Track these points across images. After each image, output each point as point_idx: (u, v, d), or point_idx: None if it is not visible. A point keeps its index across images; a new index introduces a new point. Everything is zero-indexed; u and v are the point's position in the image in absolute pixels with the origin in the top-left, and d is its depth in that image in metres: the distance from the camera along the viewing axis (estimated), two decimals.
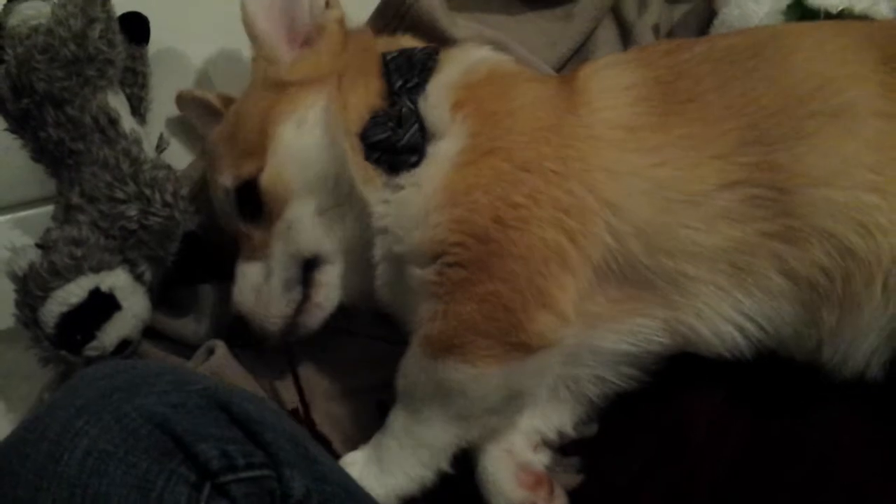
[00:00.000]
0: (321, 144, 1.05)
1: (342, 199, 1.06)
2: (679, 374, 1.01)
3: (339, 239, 1.08)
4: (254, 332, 1.10)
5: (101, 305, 1.10)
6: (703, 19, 1.28)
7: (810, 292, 0.91)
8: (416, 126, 1.02)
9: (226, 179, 1.10)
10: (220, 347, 1.12)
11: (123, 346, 1.14)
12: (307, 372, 1.16)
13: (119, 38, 1.20)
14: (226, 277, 1.15)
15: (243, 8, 1.10)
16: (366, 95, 1.06)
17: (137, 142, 1.17)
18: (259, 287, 1.09)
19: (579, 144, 0.96)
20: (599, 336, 0.98)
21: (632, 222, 0.93)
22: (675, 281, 0.94)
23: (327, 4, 1.11)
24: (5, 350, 1.21)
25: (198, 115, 1.32)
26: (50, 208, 1.22)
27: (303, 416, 1.12)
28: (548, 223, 0.93)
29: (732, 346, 0.95)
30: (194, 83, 1.37)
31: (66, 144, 1.15)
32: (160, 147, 1.30)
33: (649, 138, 0.96)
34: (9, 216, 1.32)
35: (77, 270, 1.09)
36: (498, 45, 1.19)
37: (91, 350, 1.10)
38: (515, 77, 1.08)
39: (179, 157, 1.33)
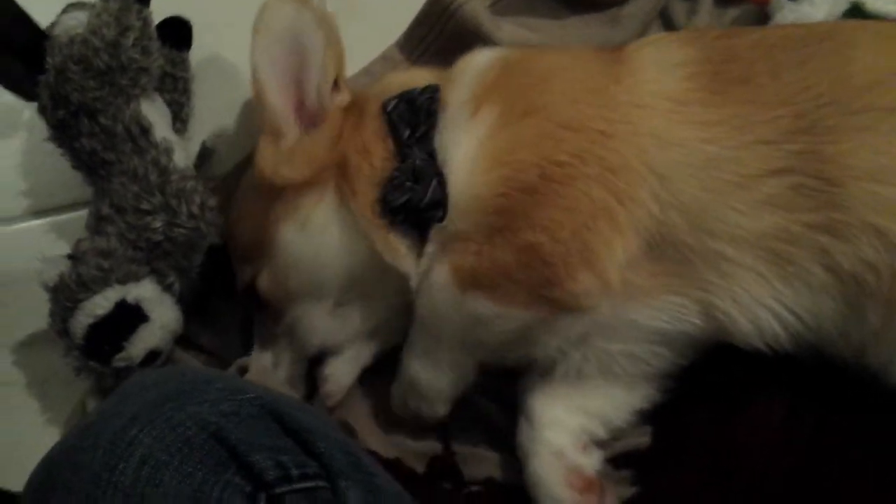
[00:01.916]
0: (334, 243, 1.03)
1: (367, 291, 1.05)
2: (735, 385, 0.99)
3: (356, 329, 1.08)
4: None
5: (128, 317, 1.09)
6: (755, 24, 1.25)
7: (854, 288, 0.89)
8: (434, 180, 0.97)
9: (237, 277, 1.11)
10: (255, 364, 1.11)
11: (152, 357, 1.13)
12: None
13: (155, 45, 1.20)
14: None
15: (255, 75, 1.03)
16: (375, 167, 1.01)
17: (168, 151, 1.15)
18: (269, 371, 1.10)
19: (624, 109, 0.94)
20: (636, 309, 0.95)
21: (676, 195, 0.91)
22: (713, 262, 0.91)
23: (336, 84, 1.04)
24: (43, 354, 1.21)
25: None
26: (84, 212, 1.23)
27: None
28: (595, 181, 0.91)
29: (770, 337, 0.93)
30: (237, 89, 1.35)
31: (99, 154, 1.15)
32: (203, 156, 1.30)
33: (698, 113, 0.93)
34: (48, 219, 1.34)
35: (104, 282, 1.09)
36: None
37: (119, 361, 1.10)
38: (538, 52, 1.05)
39: (224, 163, 1.33)
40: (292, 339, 1.08)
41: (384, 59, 1.32)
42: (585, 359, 1.00)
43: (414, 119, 1.01)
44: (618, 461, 1.04)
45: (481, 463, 1.08)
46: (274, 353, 1.11)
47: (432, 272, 0.97)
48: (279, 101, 1.03)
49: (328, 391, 1.09)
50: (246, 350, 1.17)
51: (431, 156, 0.99)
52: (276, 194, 1.04)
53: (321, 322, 1.07)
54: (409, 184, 0.98)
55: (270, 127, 1.03)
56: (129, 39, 1.14)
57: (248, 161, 1.27)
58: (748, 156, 0.90)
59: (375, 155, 1.01)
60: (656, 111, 0.93)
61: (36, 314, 1.17)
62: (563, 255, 0.90)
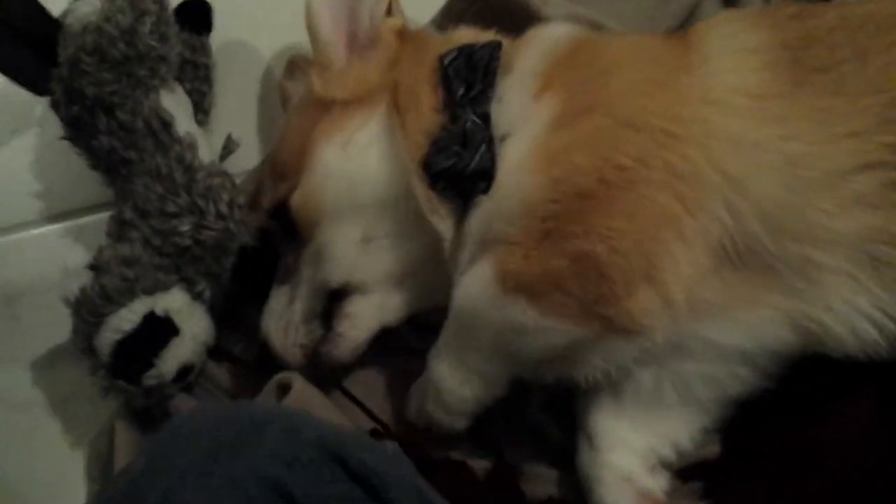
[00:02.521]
0: (373, 167, 0.98)
1: (400, 228, 0.99)
2: (811, 389, 0.92)
3: (380, 269, 1.00)
4: (276, 360, 1.04)
5: (158, 331, 1.03)
6: None
7: None
8: (483, 146, 0.91)
9: (265, 201, 1.04)
10: (297, 381, 1.02)
11: (185, 373, 1.06)
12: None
13: (174, 30, 1.12)
14: None
15: (308, 6, 1.02)
16: (422, 114, 0.96)
17: (192, 146, 1.08)
18: (281, 313, 1.04)
19: (696, 105, 0.86)
20: (710, 327, 0.87)
21: (755, 200, 0.83)
22: (802, 269, 0.84)
23: (389, 11, 1.03)
24: (68, 370, 1.15)
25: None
26: (104, 215, 1.16)
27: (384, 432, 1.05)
28: (660, 187, 0.83)
29: (870, 345, 0.85)
30: (262, 76, 1.30)
31: (119, 153, 1.08)
32: (228, 149, 1.23)
33: (777, 108, 0.85)
34: (64, 224, 1.28)
35: (130, 293, 1.02)
36: (593, 24, 1.09)
37: (150, 379, 1.03)
38: (605, 40, 0.98)
39: (250, 157, 1.26)
40: (315, 270, 1.01)
41: None
42: (658, 381, 0.93)
43: (470, 76, 0.95)
44: (685, 473, 0.98)
45: (538, 480, 1.02)
46: (292, 286, 1.04)
47: (474, 266, 0.90)
48: (331, 34, 1.03)
49: (344, 331, 1.02)
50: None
51: (484, 119, 0.93)
52: (323, 113, 1.01)
53: (348, 251, 1.00)
54: (455, 147, 0.92)
55: (322, 59, 1.03)
56: (146, 26, 1.07)
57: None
58: (834, 151, 0.83)
59: (424, 103, 0.96)
60: (732, 109, 0.86)
61: (54, 327, 1.12)
62: (622, 269, 0.82)
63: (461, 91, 0.95)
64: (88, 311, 1.02)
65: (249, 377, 1.12)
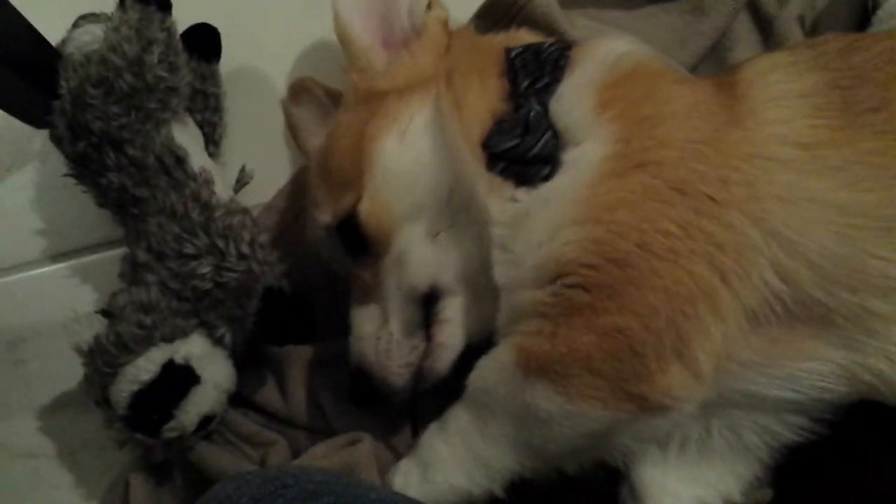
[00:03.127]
0: (429, 155, 0.94)
1: (458, 218, 0.94)
2: (865, 434, 0.90)
3: (456, 265, 0.95)
4: (377, 387, 0.98)
5: (178, 380, 0.98)
6: (855, 9, 1.15)
7: None
8: (548, 133, 0.89)
9: (324, 215, 0.99)
10: (367, 442, 1.00)
11: (206, 423, 1.02)
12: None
13: (183, 59, 1.07)
14: (317, 336, 1.04)
15: (336, 11, 0.99)
16: (485, 96, 0.93)
17: (208, 182, 1.03)
18: (377, 335, 0.97)
19: (745, 165, 0.84)
20: (753, 381, 0.85)
21: (806, 256, 0.81)
22: (859, 319, 0.81)
23: (429, 6, 1.01)
24: (76, 419, 1.12)
25: (311, 114, 1.19)
26: (113, 253, 1.12)
27: None
28: (700, 258, 0.81)
29: None
30: (273, 104, 1.23)
31: (130, 191, 1.02)
32: (242, 181, 1.18)
33: (831, 156, 0.83)
34: (69, 263, 1.22)
35: (148, 342, 0.97)
36: None
37: (170, 431, 0.98)
38: (664, 77, 0.95)
39: (263, 189, 1.20)
40: (399, 277, 0.96)
41: None
42: (706, 429, 0.91)
43: (537, 71, 0.94)
44: None
45: None
46: (379, 304, 0.98)
47: (493, 349, 0.87)
48: (367, 38, 1.01)
49: (444, 339, 0.96)
50: (302, 409, 1.06)
51: (546, 111, 0.92)
52: (373, 112, 0.97)
53: (423, 250, 0.95)
54: (518, 131, 0.90)
55: (361, 63, 1.00)
56: (154, 55, 1.01)
57: (292, 186, 1.17)
58: (891, 196, 0.81)
59: (488, 86, 0.94)
60: (783, 163, 0.84)
61: (61, 372, 1.10)
62: (655, 346, 0.80)
63: (526, 83, 0.93)
64: (103, 360, 0.97)
65: (272, 426, 1.08)
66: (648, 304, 0.80)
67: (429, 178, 0.94)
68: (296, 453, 1.05)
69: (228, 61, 1.20)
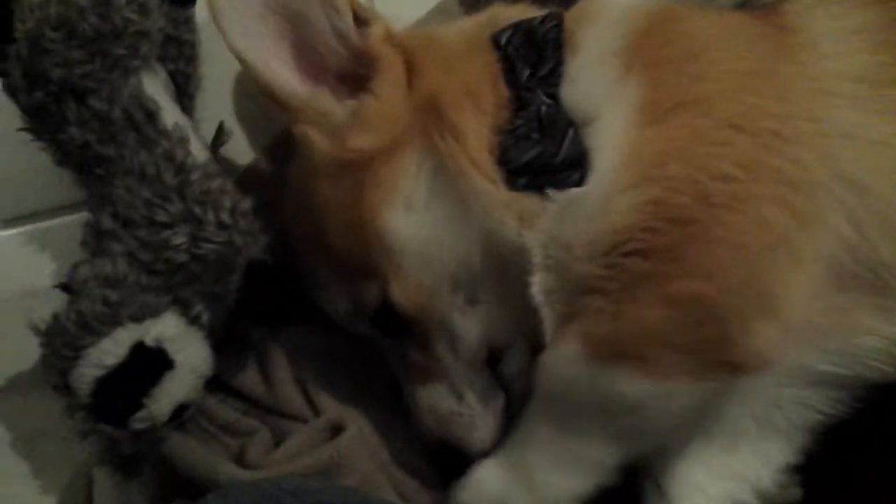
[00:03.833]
0: (444, 219, 0.86)
1: (496, 272, 0.87)
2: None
3: (508, 318, 0.89)
4: (470, 456, 0.93)
5: (148, 364, 0.89)
6: None
7: None
8: (570, 131, 0.81)
9: (342, 304, 0.94)
10: (352, 425, 0.95)
11: (181, 412, 0.93)
12: None
13: (154, 1, 0.98)
14: (303, 315, 0.99)
15: (242, 58, 0.88)
16: (483, 116, 0.85)
17: (183, 141, 0.94)
18: (458, 412, 0.93)
19: (805, 100, 0.79)
20: (809, 353, 0.82)
21: (878, 208, 0.77)
22: None
23: (358, 20, 0.88)
24: (35, 404, 1.02)
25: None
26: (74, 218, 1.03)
27: None
28: (769, 201, 0.76)
29: None
30: None
31: (93, 148, 0.93)
32: (219, 140, 1.09)
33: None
34: (25, 228, 1.13)
35: (113, 321, 0.88)
36: None
37: (139, 422, 0.89)
38: (689, 15, 0.88)
39: (242, 149, 1.13)
40: (457, 353, 0.91)
41: (440, 11, 1.13)
42: (743, 413, 0.87)
43: (535, 55, 0.85)
44: None
45: None
46: (446, 383, 0.92)
47: (556, 342, 0.82)
48: (296, 82, 0.89)
49: (521, 390, 0.90)
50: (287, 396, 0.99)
51: (557, 103, 0.84)
52: (361, 181, 0.87)
53: (472, 317, 0.89)
54: (535, 135, 0.82)
55: (311, 116, 0.89)
56: None
57: (277, 144, 1.09)
58: None
59: (484, 98, 0.85)
60: (846, 100, 0.79)
61: (17, 351, 1.02)
62: (736, 308, 0.76)
63: (527, 73, 0.84)
64: (63, 342, 0.88)
65: (254, 413, 1.00)
66: (718, 262, 0.75)
67: (453, 243, 0.87)
68: (278, 443, 0.98)
69: (204, 6, 1.06)
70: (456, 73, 0.86)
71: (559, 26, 0.86)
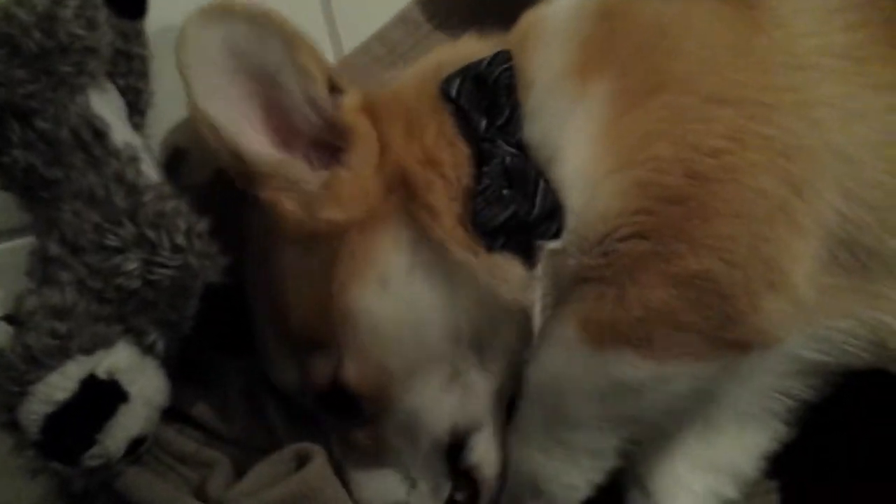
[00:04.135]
0: (430, 295, 0.82)
1: (483, 344, 0.85)
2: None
3: (485, 395, 0.87)
4: None
5: (100, 398, 0.86)
6: None
7: None
8: (541, 182, 0.79)
9: (287, 379, 0.91)
10: (319, 456, 0.90)
11: (136, 446, 0.90)
12: None
13: (103, 14, 0.95)
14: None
15: (205, 118, 0.84)
16: (449, 184, 0.81)
17: (134, 161, 0.91)
18: (403, 501, 0.89)
19: (785, 73, 0.78)
20: (793, 340, 0.79)
21: (864, 182, 0.76)
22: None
23: (332, 87, 0.85)
24: None
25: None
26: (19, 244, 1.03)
27: None
28: (763, 169, 0.74)
29: None
30: None
31: (39, 171, 0.91)
32: (174, 159, 1.05)
33: (880, 73, 0.77)
34: None
35: (62, 354, 0.84)
36: None
37: (92, 459, 0.86)
38: (638, 4, 0.84)
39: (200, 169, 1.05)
40: (413, 437, 0.87)
41: (403, 21, 1.11)
42: (719, 403, 0.85)
43: (489, 102, 0.82)
44: None
45: None
46: (395, 469, 0.89)
47: (550, 330, 0.80)
48: (265, 148, 0.85)
49: (486, 480, 0.88)
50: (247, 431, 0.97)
51: (521, 148, 0.81)
52: (334, 253, 0.83)
53: (442, 399, 0.86)
54: (505, 192, 0.79)
55: (277, 184, 0.85)
56: (69, 10, 0.90)
57: None
58: None
59: (445, 163, 0.82)
60: (827, 73, 0.77)
61: None
62: (743, 282, 0.73)
63: (484, 123, 0.81)
64: (9, 377, 0.84)
65: (215, 444, 0.97)
66: (720, 235, 0.74)
67: (439, 317, 0.83)
68: (240, 474, 0.94)
69: (155, 19, 1.09)
70: (416, 137, 0.84)
71: (508, 66, 0.83)
